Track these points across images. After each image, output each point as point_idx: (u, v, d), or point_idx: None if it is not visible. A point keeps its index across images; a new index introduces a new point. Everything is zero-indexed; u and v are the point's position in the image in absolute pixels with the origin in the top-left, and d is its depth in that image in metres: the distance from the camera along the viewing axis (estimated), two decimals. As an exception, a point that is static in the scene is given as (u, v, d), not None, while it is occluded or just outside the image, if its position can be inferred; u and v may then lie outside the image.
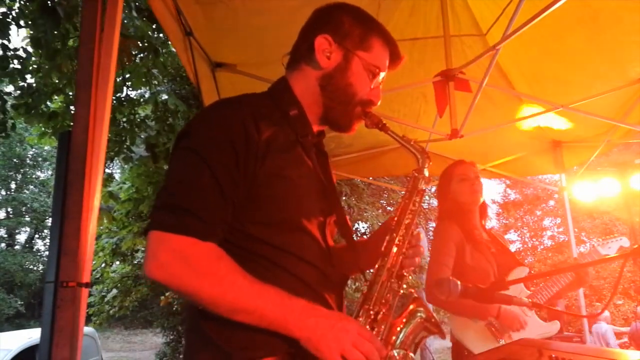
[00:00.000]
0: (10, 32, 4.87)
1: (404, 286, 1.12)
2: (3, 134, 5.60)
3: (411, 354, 1.09)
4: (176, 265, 0.91)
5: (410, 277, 1.17)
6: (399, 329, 1.09)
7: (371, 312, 1.05)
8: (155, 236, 0.93)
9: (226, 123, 1.02)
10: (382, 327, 1.06)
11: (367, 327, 1.04)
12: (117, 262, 9.51)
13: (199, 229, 0.94)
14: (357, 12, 1.21)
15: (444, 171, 2.58)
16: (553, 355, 1.29)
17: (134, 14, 4.73)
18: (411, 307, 1.12)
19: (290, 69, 1.23)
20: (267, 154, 1.02)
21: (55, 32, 4.55)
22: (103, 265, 9.10)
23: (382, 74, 1.22)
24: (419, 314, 1.11)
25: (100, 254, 8.64)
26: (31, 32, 4.66)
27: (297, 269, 1.05)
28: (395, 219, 1.16)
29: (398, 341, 1.07)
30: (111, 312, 9.93)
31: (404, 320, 1.10)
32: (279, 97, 1.18)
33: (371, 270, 1.13)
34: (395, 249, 1.12)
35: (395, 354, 1.06)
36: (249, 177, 1.01)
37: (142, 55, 5.43)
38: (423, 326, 1.11)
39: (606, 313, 8.92)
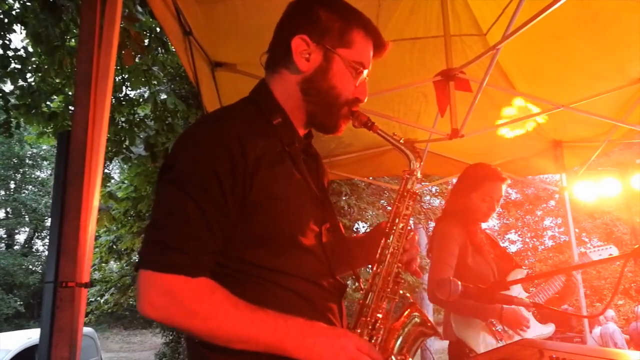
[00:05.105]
0: (12, 32, 4.87)
1: (400, 292, 1.13)
2: (7, 134, 5.62)
3: (410, 359, 1.10)
4: (168, 307, 0.91)
5: (408, 279, 1.19)
6: (396, 335, 1.11)
7: (369, 322, 1.06)
8: (145, 276, 0.92)
9: (208, 150, 0.97)
10: (380, 334, 1.08)
11: (366, 337, 1.04)
12: (113, 260, 9.54)
13: (188, 266, 0.92)
14: (333, 3, 1.13)
15: (472, 172, 2.51)
16: (554, 356, 1.28)
17: (139, 8, 4.70)
18: (407, 312, 1.14)
19: (270, 70, 1.16)
20: (255, 172, 0.99)
21: (56, 29, 4.54)
22: (98, 261, 9.11)
23: (366, 70, 1.16)
24: (415, 319, 1.13)
25: (97, 250, 8.66)
26: (33, 25, 4.64)
27: (297, 287, 1.04)
28: (389, 224, 1.16)
29: (396, 347, 1.09)
30: (105, 307, 9.93)
31: (401, 326, 1.12)
32: (262, 104, 1.12)
33: (368, 270, 1.13)
34: (389, 255, 1.12)
35: None
36: (237, 202, 0.98)
37: (149, 46, 5.38)
38: (419, 330, 1.13)
39: (612, 313, 8.88)
